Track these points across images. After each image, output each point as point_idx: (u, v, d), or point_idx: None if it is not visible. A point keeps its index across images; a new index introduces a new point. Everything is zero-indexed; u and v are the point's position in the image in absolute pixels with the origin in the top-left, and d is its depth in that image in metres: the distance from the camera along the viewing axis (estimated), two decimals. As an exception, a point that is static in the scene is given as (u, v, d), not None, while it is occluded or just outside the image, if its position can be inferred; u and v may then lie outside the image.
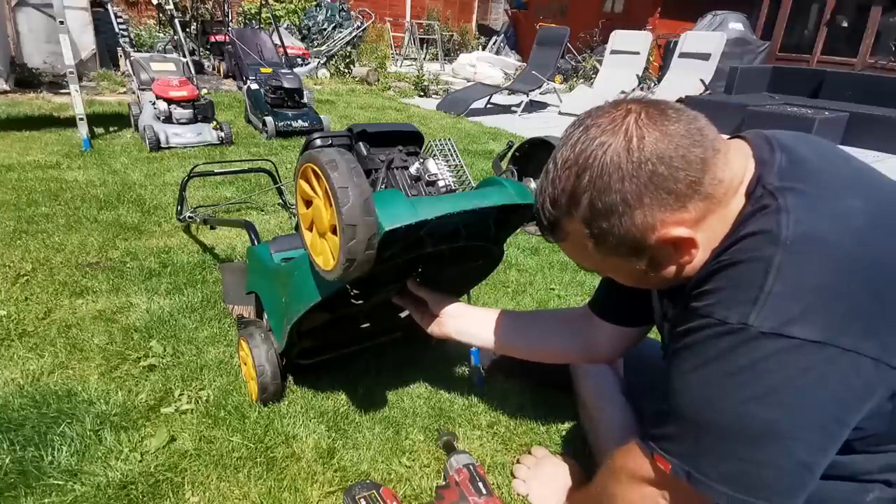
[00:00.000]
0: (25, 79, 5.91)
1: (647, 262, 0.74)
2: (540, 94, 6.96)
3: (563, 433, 1.40)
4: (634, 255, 0.73)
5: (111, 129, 4.28)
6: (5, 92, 5.48)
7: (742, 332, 0.61)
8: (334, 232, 0.93)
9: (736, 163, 0.71)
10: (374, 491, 1.12)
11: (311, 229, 1.04)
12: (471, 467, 1.17)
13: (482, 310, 1.25)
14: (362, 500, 1.10)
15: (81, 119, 3.65)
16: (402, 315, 1.52)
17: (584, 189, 0.69)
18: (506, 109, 6.86)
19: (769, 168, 0.69)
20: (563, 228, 0.76)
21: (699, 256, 0.72)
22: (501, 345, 1.20)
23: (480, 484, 1.13)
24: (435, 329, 1.24)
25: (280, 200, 2.74)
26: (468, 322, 1.22)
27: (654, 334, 1.76)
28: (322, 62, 8.71)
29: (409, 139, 1.36)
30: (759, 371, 0.61)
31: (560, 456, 1.29)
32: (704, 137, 0.68)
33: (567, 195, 0.72)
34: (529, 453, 1.30)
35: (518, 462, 1.27)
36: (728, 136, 0.76)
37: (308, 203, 1.03)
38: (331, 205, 0.91)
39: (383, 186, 1.27)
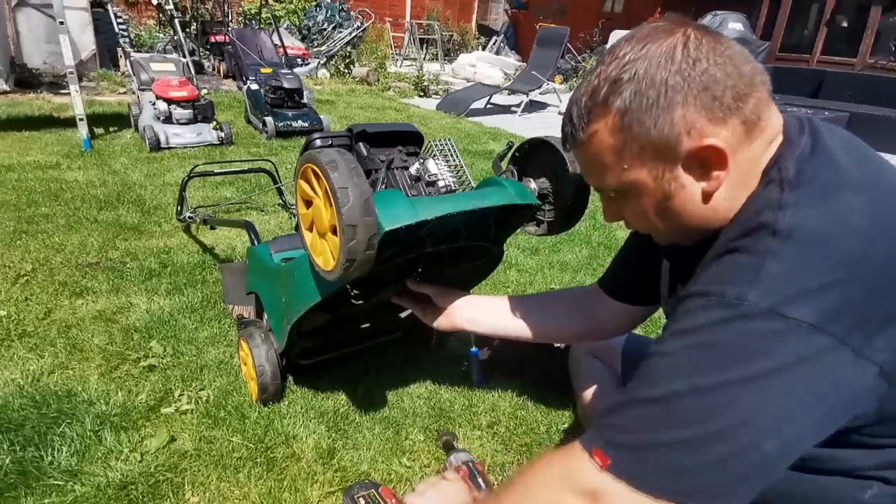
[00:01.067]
0: (25, 79, 5.91)
1: (672, 178, 0.70)
2: (540, 94, 6.97)
3: (563, 433, 1.40)
4: (661, 164, 0.69)
5: (111, 129, 4.28)
6: (5, 92, 5.48)
7: (738, 307, 0.59)
8: (334, 232, 0.93)
9: (774, 118, 0.70)
10: (373, 490, 1.12)
11: (311, 229, 1.04)
12: (470, 464, 1.17)
13: (489, 297, 1.26)
14: (361, 499, 1.10)
15: (81, 119, 3.65)
16: (403, 315, 1.52)
17: (629, 79, 0.67)
18: (506, 110, 6.86)
19: (792, 149, 0.68)
20: (593, 122, 0.71)
21: (723, 197, 0.69)
22: (512, 330, 1.20)
23: (480, 479, 1.13)
24: (443, 322, 1.23)
25: (280, 201, 2.74)
26: (477, 311, 1.22)
27: (651, 332, 1.76)
28: (322, 62, 8.72)
29: (409, 139, 1.36)
30: (751, 351, 0.58)
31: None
32: (755, 64, 0.68)
33: (610, 83, 0.69)
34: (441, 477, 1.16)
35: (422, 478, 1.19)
36: None
37: (308, 203, 1.03)
38: (331, 205, 0.92)
39: (383, 186, 1.27)
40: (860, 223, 0.62)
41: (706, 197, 0.70)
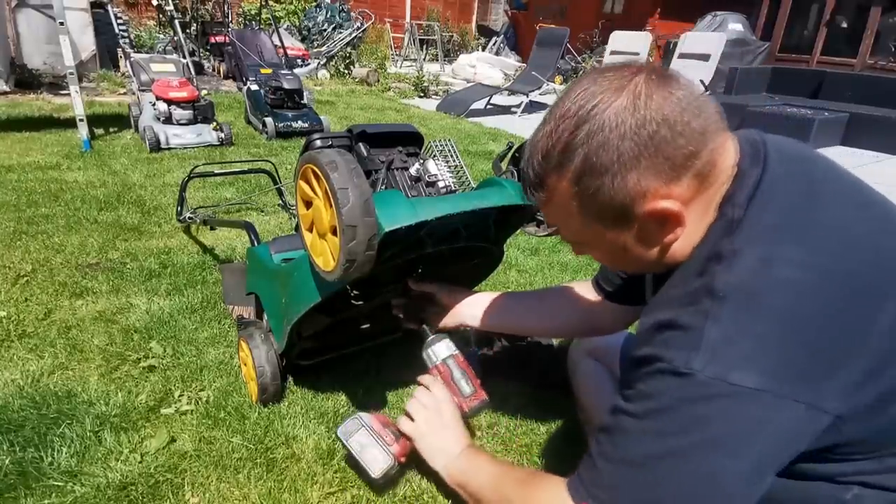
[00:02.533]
0: (25, 80, 5.91)
1: (630, 236, 0.72)
2: (540, 94, 6.96)
3: (563, 434, 1.40)
4: (618, 225, 0.72)
5: (111, 129, 4.29)
6: (5, 93, 5.48)
7: (688, 376, 0.62)
8: (334, 233, 0.93)
9: (729, 156, 0.70)
10: (363, 429, 1.11)
11: (311, 230, 1.04)
12: (449, 362, 1.14)
13: (491, 294, 1.28)
14: (356, 444, 1.10)
15: (81, 120, 3.65)
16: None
17: (580, 142, 0.67)
18: (506, 110, 6.86)
19: (744, 185, 0.69)
20: (549, 185, 0.73)
21: (681, 243, 0.71)
22: (514, 326, 1.26)
23: (463, 382, 1.11)
24: (448, 320, 1.25)
25: (280, 201, 2.74)
26: (480, 308, 1.24)
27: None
28: (322, 63, 8.72)
29: (409, 140, 1.36)
30: (708, 418, 0.62)
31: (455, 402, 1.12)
32: (708, 113, 0.67)
33: (561, 147, 0.69)
34: (427, 388, 1.13)
35: (414, 397, 1.14)
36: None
37: (308, 204, 1.03)
38: (331, 206, 0.92)
39: (383, 187, 1.27)
40: (792, 275, 0.63)
41: (663, 249, 0.73)
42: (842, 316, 0.62)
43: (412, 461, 1.28)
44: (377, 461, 1.09)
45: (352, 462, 1.11)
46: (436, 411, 1.09)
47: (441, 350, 1.16)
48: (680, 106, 0.65)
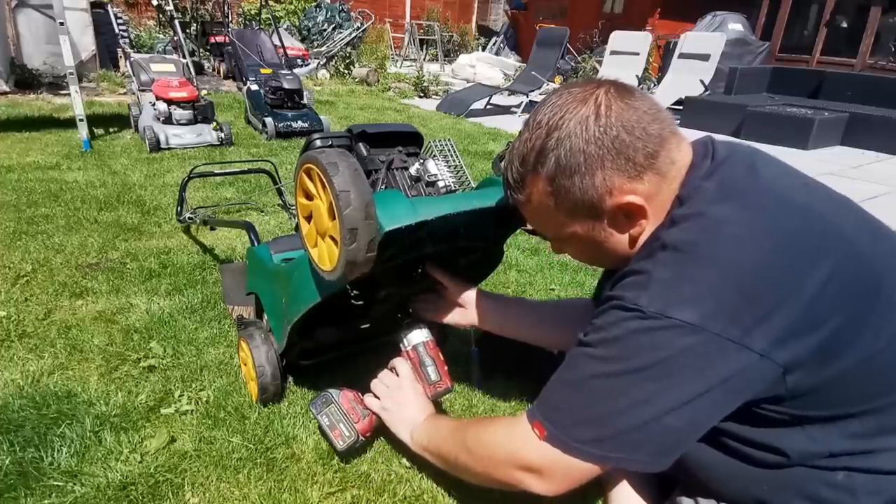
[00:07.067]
0: (25, 80, 5.92)
1: (602, 229, 0.82)
2: (540, 94, 6.96)
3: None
4: (591, 220, 0.81)
5: (111, 130, 4.29)
6: (5, 93, 5.48)
7: (634, 311, 0.71)
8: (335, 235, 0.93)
9: (685, 154, 0.80)
10: (333, 406, 1.19)
11: (309, 220, 1.04)
12: (419, 348, 1.19)
13: (502, 298, 1.32)
14: (325, 417, 1.18)
15: (81, 120, 3.65)
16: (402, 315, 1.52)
17: (552, 147, 0.77)
18: (505, 110, 6.87)
19: (696, 172, 0.79)
20: (527, 186, 0.83)
21: (646, 233, 0.80)
22: (520, 333, 1.30)
23: (430, 370, 1.17)
24: (457, 318, 1.29)
25: (280, 201, 2.74)
26: (493, 311, 1.28)
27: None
28: (322, 63, 8.72)
29: (409, 140, 1.36)
30: (646, 345, 0.70)
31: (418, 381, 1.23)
32: (663, 119, 0.77)
33: (536, 152, 0.79)
34: (393, 368, 1.25)
35: (378, 377, 1.25)
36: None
37: (308, 197, 1.02)
38: (332, 208, 0.91)
39: (383, 187, 1.27)
40: (733, 231, 0.71)
41: (633, 239, 0.82)
42: (776, 268, 0.69)
43: (413, 461, 1.28)
44: (342, 436, 1.19)
45: (322, 432, 1.24)
46: (397, 388, 1.19)
47: (414, 336, 1.22)
48: (637, 114, 0.75)
